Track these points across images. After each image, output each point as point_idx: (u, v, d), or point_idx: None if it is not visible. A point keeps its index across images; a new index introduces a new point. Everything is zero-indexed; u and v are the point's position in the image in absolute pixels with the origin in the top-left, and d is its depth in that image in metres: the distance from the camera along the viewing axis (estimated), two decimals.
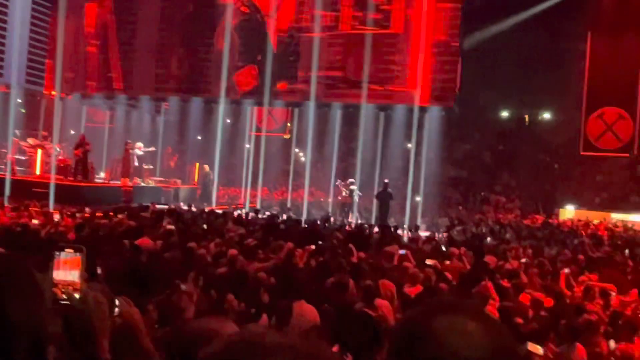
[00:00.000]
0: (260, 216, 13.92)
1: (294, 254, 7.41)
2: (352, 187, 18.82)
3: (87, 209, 12.02)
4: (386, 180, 17.55)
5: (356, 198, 18.87)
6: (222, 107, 19.59)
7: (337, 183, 19.74)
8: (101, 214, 11.16)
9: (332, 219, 14.55)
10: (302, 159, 25.11)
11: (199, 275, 5.93)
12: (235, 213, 13.78)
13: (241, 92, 18.84)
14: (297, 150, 25.28)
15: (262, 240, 8.72)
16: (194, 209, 14.51)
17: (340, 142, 20.59)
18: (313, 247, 8.45)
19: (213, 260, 7.44)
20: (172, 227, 9.22)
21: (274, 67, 18.00)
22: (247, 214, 14.57)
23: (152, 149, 20.07)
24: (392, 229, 12.70)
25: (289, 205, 20.84)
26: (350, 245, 8.70)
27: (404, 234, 13.24)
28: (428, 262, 7.81)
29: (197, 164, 22.10)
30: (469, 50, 18.27)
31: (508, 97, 25.76)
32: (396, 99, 16.85)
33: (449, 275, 7.24)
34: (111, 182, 18.50)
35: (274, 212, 15.95)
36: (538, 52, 23.67)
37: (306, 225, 12.18)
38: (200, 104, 20.93)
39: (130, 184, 18.20)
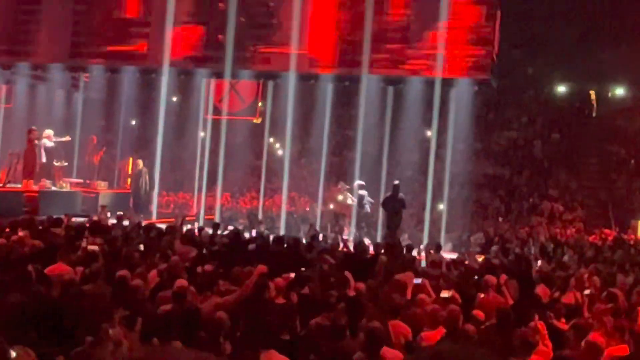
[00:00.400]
0: (220, 232, 14.07)
1: (267, 285, 7.51)
2: (360, 192, 19.13)
3: None
4: (396, 182, 17.65)
5: (367, 208, 19.18)
6: (165, 79, 19.59)
7: (339, 186, 19.96)
8: None
9: (320, 236, 14.62)
10: (279, 152, 25.31)
11: (134, 316, 5.96)
12: (185, 228, 13.99)
13: (185, 59, 18.84)
14: (271, 139, 25.24)
15: (222, 266, 8.82)
16: (126, 222, 14.73)
17: (333, 128, 20.82)
18: (293, 275, 8.55)
19: (153, 294, 7.45)
20: (96, 248, 9.37)
21: (242, 23, 18.23)
22: (201, 229, 14.76)
23: (66, 138, 20.17)
24: (405, 249, 12.79)
25: (260, 216, 20.90)
26: (347, 273, 8.78)
27: (422, 255, 13.43)
28: (444, 294, 8.00)
29: (131, 160, 22.27)
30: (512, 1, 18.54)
31: (567, 67, 25.73)
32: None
33: (479, 315, 7.33)
34: (8, 185, 18.51)
35: (239, 227, 16.23)
36: (609, 6, 23.59)
37: (285, 245, 12.34)
38: (135, 76, 20.90)
39: (35, 187, 18.18)
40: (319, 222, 19.99)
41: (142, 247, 10.56)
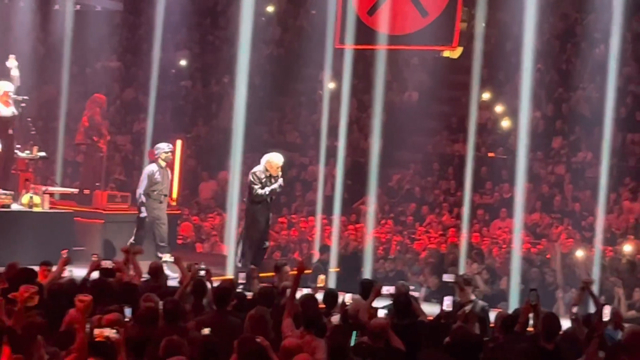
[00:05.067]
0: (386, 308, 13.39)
1: None
2: None
3: None
4: None
5: None
6: None
7: None
8: None
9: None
10: (505, 122, 27.03)
11: None
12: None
13: None
14: (486, 95, 26.65)
15: None
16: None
17: None
18: None
19: None
20: (113, 334, 9.30)
21: None
22: (327, 296, 14.10)
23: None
24: None
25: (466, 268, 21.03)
26: None
27: None
28: None
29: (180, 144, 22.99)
30: None
31: None
32: None
33: None
34: None
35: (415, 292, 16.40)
36: None
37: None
38: None
39: None
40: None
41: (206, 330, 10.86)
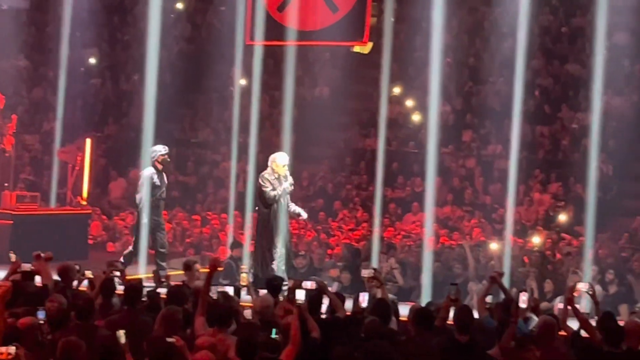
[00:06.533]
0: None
1: None
2: None
3: None
4: None
5: None
6: None
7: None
8: None
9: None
10: (415, 117, 26.90)
11: None
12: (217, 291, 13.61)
13: None
14: (397, 90, 26.80)
15: None
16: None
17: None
18: None
19: None
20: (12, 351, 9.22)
21: None
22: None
23: None
24: None
25: (377, 263, 20.38)
26: None
27: None
28: None
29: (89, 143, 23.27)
30: None
31: None
32: None
33: None
34: None
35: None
36: None
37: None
38: None
39: None
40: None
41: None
